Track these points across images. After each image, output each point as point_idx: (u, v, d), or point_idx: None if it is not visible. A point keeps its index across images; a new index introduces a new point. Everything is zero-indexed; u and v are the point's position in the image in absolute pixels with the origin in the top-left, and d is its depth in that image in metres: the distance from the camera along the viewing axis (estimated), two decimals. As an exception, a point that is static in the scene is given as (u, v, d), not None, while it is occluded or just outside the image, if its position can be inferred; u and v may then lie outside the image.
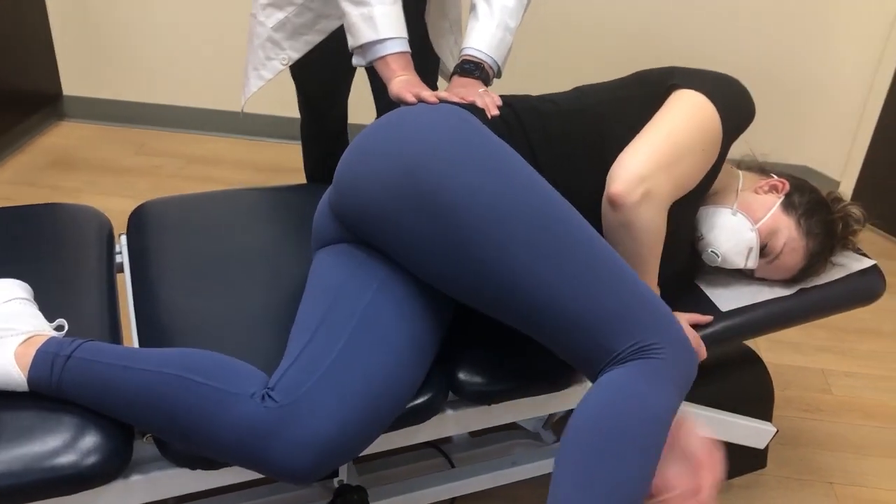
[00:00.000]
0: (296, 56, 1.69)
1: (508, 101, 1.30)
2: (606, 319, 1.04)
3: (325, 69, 1.80)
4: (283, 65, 1.70)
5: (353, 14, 1.43)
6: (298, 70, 1.78)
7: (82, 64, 3.04)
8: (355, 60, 1.48)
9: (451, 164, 1.09)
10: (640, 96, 1.28)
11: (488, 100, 1.29)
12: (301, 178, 2.72)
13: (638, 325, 1.04)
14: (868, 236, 2.74)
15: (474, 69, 1.45)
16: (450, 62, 1.81)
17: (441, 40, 1.78)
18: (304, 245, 1.48)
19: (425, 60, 1.72)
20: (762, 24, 2.72)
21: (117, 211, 2.53)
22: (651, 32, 2.77)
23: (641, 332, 1.04)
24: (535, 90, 1.45)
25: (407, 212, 1.09)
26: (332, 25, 1.65)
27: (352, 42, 1.46)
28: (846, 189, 2.82)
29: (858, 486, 1.78)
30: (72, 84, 3.08)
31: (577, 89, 1.34)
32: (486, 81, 1.45)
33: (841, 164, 2.85)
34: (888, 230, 2.74)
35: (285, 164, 2.90)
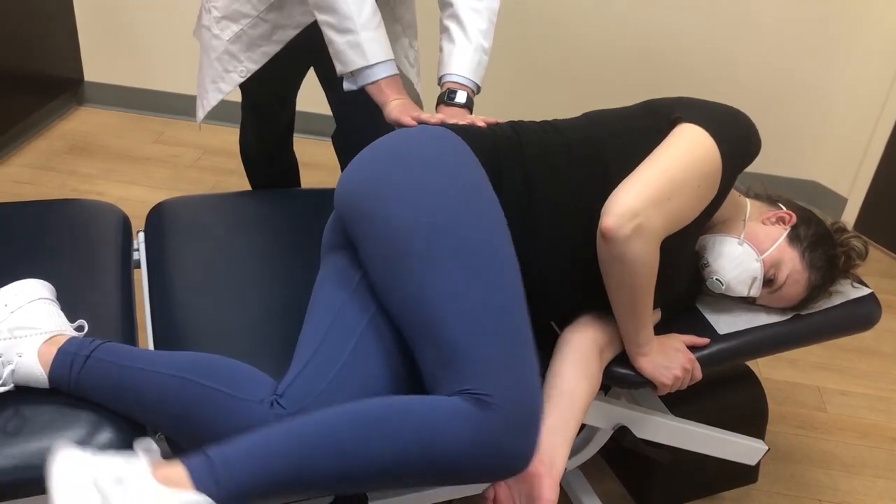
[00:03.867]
0: (254, 67, 1.69)
1: (516, 127, 1.34)
2: (471, 358, 1.04)
3: (275, 78, 1.80)
4: (242, 77, 1.70)
5: (340, 42, 1.45)
6: (248, 80, 1.75)
7: (105, 50, 3.08)
8: (346, 85, 1.51)
9: (395, 183, 1.17)
10: (646, 128, 1.31)
11: (484, 118, 1.37)
12: (316, 172, 2.77)
13: (491, 375, 1.03)
14: (873, 254, 2.75)
15: (461, 97, 1.50)
16: (405, 67, 1.82)
17: (395, 45, 1.76)
18: (317, 249, 1.52)
19: None
20: (775, 40, 2.74)
21: (134, 200, 2.59)
22: (663, 49, 2.79)
23: (485, 382, 1.02)
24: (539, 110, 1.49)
25: (361, 227, 1.18)
26: (288, 35, 1.66)
27: (340, 69, 1.48)
28: (853, 206, 2.84)
29: (847, 504, 1.82)
30: (93, 70, 3.13)
31: (585, 116, 1.37)
32: (471, 108, 1.51)
33: (849, 181, 2.87)
34: (893, 248, 2.76)
35: (301, 157, 2.93)
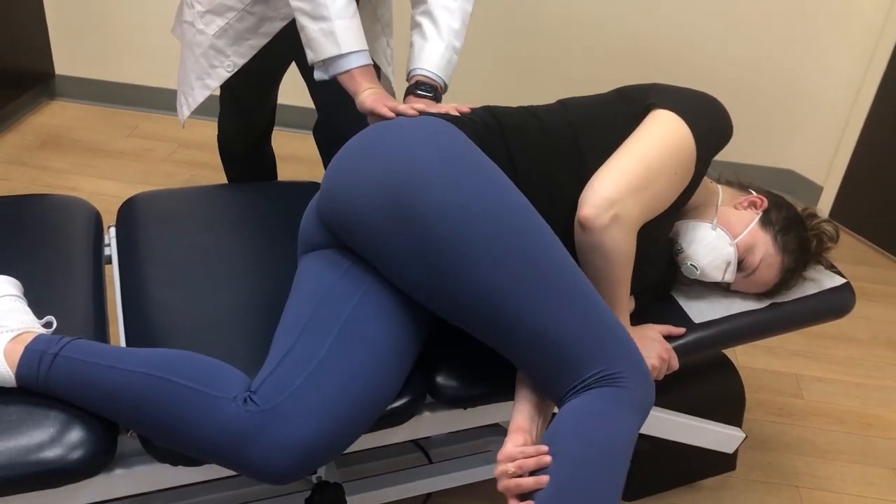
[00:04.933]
0: (241, 62, 1.66)
1: (494, 112, 1.33)
2: (575, 345, 1.08)
3: (258, 72, 1.76)
4: (229, 72, 1.67)
5: (313, 29, 1.42)
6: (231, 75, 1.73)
7: (75, 43, 3.04)
8: (317, 75, 1.48)
9: (434, 182, 1.11)
10: (620, 114, 1.30)
11: (452, 107, 1.35)
12: (293, 166, 2.75)
13: (605, 353, 1.09)
14: (848, 241, 2.78)
15: (430, 91, 1.48)
16: (384, 65, 1.81)
17: (375, 44, 1.76)
18: (293, 243, 1.51)
19: None
20: (751, 29, 2.74)
21: (107, 195, 2.56)
22: (639, 38, 2.79)
23: (608, 361, 1.08)
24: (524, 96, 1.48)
25: (389, 224, 1.12)
26: (276, 27, 1.64)
27: (312, 57, 1.45)
28: (829, 195, 2.86)
29: (824, 490, 1.83)
30: (64, 63, 3.08)
31: (560, 103, 1.37)
32: (438, 101, 1.49)
33: (825, 170, 2.88)
34: (868, 236, 2.78)
35: (277, 151, 2.91)
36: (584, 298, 1.11)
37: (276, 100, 1.96)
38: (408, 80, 1.52)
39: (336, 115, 1.81)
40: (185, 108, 1.74)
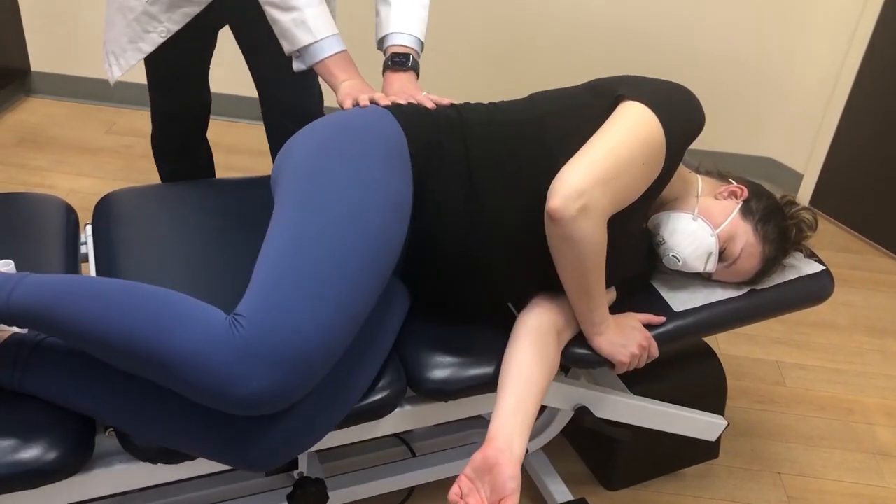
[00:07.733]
0: (174, 28, 1.64)
1: (459, 108, 1.33)
2: (252, 288, 1.10)
3: (181, 48, 1.72)
4: (163, 37, 1.65)
5: (284, 20, 1.45)
6: (160, 56, 1.71)
7: (51, 39, 3.00)
8: (296, 66, 1.50)
9: (296, 167, 1.20)
10: (589, 107, 1.30)
11: (433, 98, 1.37)
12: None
13: (254, 302, 1.07)
14: (828, 228, 2.80)
15: (405, 61, 1.48)
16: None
17: None
18: (269, 238, 1.50)
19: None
20: (730, 16, 2.75)
21: (86, 193, 2.54)
22: (617, 28, 2.79)
23: (245, 306, 1.06)
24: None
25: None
26: None
27: (288, 47, 1.48)
28: (809, 182, 2.87)
29: (806, 476, 1.85)
30: (40, 60, 3.05)
31: (529, 97, 1.37)
32: (417, 69, 1.50)
33: (805, 157, 2.90)
34: (848, 223, 2.80)
35: (253, 145, 2.89)
36: (317, 275, 1.09)
37: (208, 88, 1.92)
38: (381, 50, 1.53)
39: (276, 87, 1.82)
40: (116, 68, 1.71)
